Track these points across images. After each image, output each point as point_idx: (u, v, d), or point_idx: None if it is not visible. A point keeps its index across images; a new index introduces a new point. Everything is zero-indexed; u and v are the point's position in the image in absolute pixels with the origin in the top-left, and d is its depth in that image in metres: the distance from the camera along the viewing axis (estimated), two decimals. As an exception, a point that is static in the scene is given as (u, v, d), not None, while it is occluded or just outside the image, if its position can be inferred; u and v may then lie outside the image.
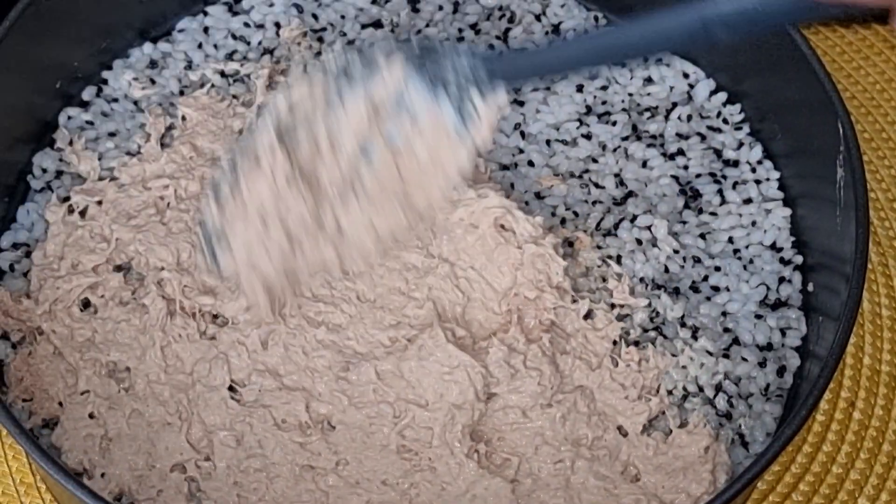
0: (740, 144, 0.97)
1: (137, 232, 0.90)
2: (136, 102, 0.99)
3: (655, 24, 0.70)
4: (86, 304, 0.88)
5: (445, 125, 0.76)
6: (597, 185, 0.94)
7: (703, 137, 0.97)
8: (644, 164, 0.96)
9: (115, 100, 0.99)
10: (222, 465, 0.82)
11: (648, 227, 0.92)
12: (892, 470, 0.91)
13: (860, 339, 0.96)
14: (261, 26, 1.02)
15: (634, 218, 0.92)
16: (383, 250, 0.78)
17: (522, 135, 0.97)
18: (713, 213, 0.94)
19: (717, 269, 0.91)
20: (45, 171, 0.96)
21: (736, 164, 0.96)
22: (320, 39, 1.01)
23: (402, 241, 0.82)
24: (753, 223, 0.93)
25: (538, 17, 1.03)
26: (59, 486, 0.76)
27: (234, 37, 1.02)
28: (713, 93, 0.99)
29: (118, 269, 0.89)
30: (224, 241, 0.77)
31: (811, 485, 0.90)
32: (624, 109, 0.98)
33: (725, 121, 0.98)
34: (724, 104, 0.99)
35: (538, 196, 0.93)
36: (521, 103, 0.98)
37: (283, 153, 0.76)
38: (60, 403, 0.85)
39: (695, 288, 0.90)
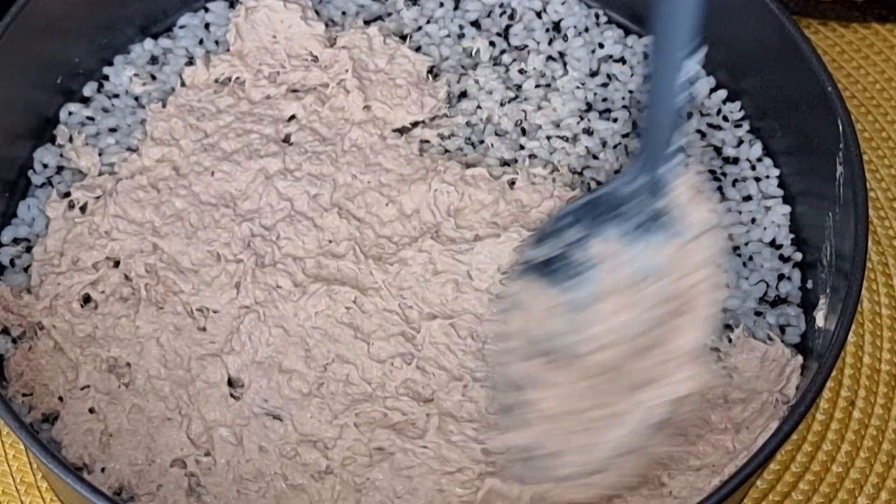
0: (740, 142, 0.97)
1: (138, 227, 0.90)
2: (136, 98, 0.99)
3: None
4: (86, 300, 0.88)
5: (677, 246, 0.78)
6: (597, 182, 0.94)
7: (703, 135, 0.97)
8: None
9: (116, 95, 0.99)
10: (222, 461, 0.82)
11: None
12: (892, 469, 0.91)
13: (860, 339, 0.96)
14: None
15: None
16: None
17: (523, 131, 0.97)
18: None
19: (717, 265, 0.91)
20: (45, 166, 0.96)
21: (736, 161, 0.96)
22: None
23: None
24: (753, 220, 0.93)
25: (539, 14, 1.03)
26: (59, 481, 0.76)
27: (234, 33, 1.02)
28: (713, 90, 1.00)
29: (116, 264, 0.89)
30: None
31: (811, 483, 0.90)
32: (624, 106, 0.98)
33: (725, 118, 0.99)
34: (724, 102, 0.99)
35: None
36: (524, 99, 0.98)
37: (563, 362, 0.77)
38: (60, 398, 0.85)
39: (694, 285, 0.90)
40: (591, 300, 0.78)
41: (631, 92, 0.99)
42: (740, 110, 0.99)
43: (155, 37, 1.02)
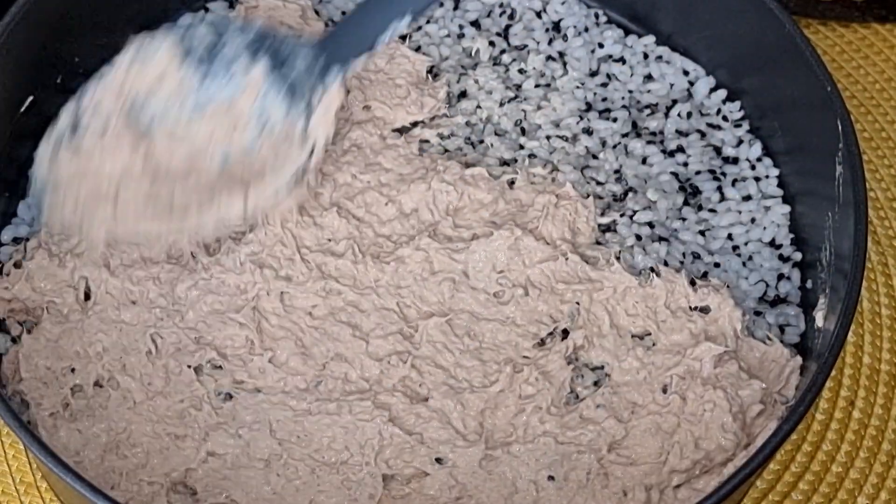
0: (740, 142, 0.97)
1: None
2: (137, 98, 0.99)
3: None
4: (87, 297, 0.88)
5: (295, 132, 0.83)
6: (596, 182, 0.95)
7: (702, 134, 0.97)
8: (644, 161, 0.96)
9: (116, 95, 0.99)
10: (220, 463, 0.82)
11: (648, 223, 0.92)
12: (892, 469, 0.91)
13: (860, 339, 0.96)
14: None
15: (634, 214, 0.93)
16: (216, 232, 0.85)
17: (523, 131, 0.97)
18: (712, 210, 0.94)
19: (717, 265, 0.91)
20: (45, 165, 0.96)
21: (735, 161, 0.96)
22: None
23: (234, 227, 0.87)
24: (753, 220, 0.93)
25: (538, 14, 1.03)
26: (59, 481, 0.76)
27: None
28: (713, 90, 1.00)
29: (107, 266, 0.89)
30: (56, 193, 0.82)
31: (811, 483, 0.90)
32: (624, 106, 0.98)
33: (725, 118, 0.98)
34: (724, 101, 0.99)
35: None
36: (523, 99, 0.98)
37: (131, 132, 0.82)
38: (61, 398, 0.85)
39: (693, 284, 0.90)
40: (209, 101, 0.83)
41: (630, 92, 0.99)
42: (740, 110, 0.99)
43: (155, 36, 1.02)
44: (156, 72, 0.83)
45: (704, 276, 0.90)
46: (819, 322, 0.86)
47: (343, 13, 1.03)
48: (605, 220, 0.92)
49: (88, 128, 0.82)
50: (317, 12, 1.02)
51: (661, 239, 0.91)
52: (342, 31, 0.86)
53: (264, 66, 0.83)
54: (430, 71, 0.99)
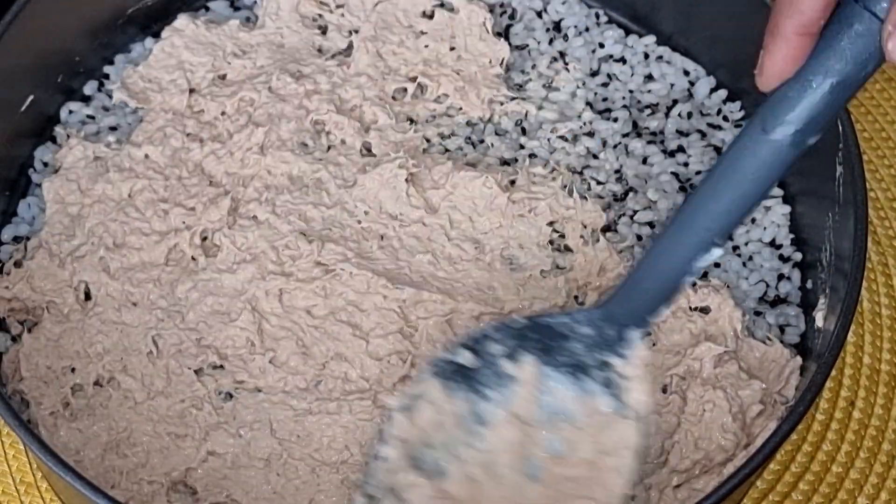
0: (740, 142, 0.97)
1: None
2: (137, 97, 0.99)
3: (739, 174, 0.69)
4: (87, 297, 0.89)
5: (602, 411, 0.75)
6: (597, 181, 0.94)
7: (703, 134, 0.97)
8: (644, 161, 0.96)
9: (117, 94, 1.00)
10: (220, 462, 0.82)
11: (648, 223, 0.92)
12: (892, 469, 0.91)
13: (860, 339, 0.96)
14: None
15: (634, 213, 0.93)
16: None
17: (523, 130, 0.97)
18: (713, 210, 0.94)
19: (717, 265, 0.91)
20: (46, 165, 0.96)
21: (736, 161, 0.96)
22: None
23: None
24: (753, 220, 0.93)
25: (539, 14, 1.03)
26: (59, 481, 0.76)
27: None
28: (713, 90, 1.00)
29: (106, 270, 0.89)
30: None
31: (811, 484, 0.90)
32: (625, 106, 0.98)
33: (726, 118, 0.98)
34: (725, 101, 0.99)
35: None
36: (523, 99, 0.98)
37: (425, 481, 0.75)
38: (62, 397, 0.85)
39: (694, 284, 0.90)
40: (492, 419, 0.77)
41: (631, 91, 0.99)
42: (740, 110, 0.99)
43: (156, 35, 1.02)
44: (428, 416, 0.78)
45: (704, 276, 0.90)
46: (819, 322, 0.85)
47: (352, 31, 1.02)
48: (605, 221, 0.92)
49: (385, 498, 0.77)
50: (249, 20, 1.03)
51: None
52: (631, 288, 0.76)
53: (533, 358, 0.77)
54: None
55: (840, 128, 0.84)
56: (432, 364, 0.79)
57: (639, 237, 0.91)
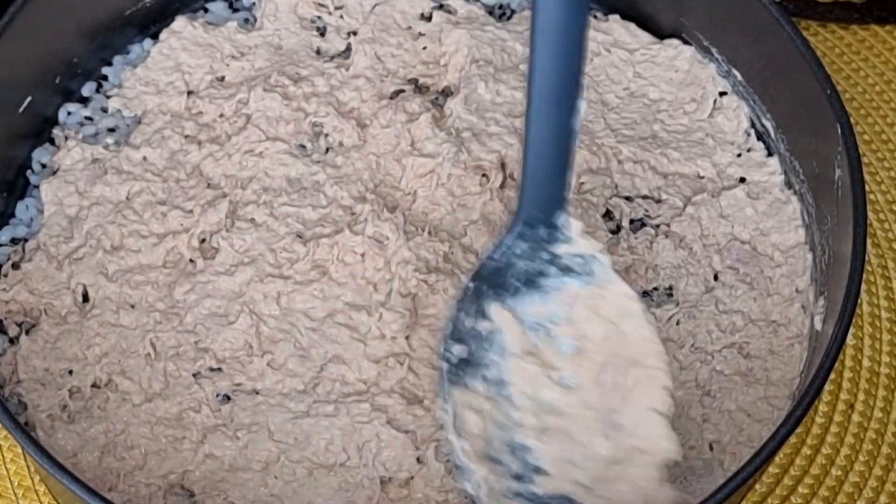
0: (739, 144, 0.97)
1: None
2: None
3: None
4: (85, 299, 0.88)
5: (579, 293, 0.79)
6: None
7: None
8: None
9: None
10: (218, 465, 0.82)
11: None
12: (892, 472, 0.91)
13: (859, 342, 0.96)
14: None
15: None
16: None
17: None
18: (712, 211, 0.94)
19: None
20: (44, 166, 0.96)
21: (735, 162, 0.96)
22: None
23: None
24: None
25: (538, 16, 1.03)
26: (57, 484, 0.76)
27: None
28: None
29: (105, 274, 0.89)
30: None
31: (810, 487, 0.90)
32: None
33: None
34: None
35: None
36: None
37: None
38: (59, 400, 0.85)
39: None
40: (508, 376, 0.79)
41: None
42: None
43: (154, 37, 1.02)
44: (472, 421, 0.79)
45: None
46: (818, 325, 0.85)
47: (351, 33, 1.02)
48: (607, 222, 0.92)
49: None
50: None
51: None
52: (532, 186, 0.79)
53: (497, 306, 0.80)
54: None
55: (839, 130, 0.84)
56: (446, 378, 0.80)
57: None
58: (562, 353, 0.79)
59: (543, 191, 0.78)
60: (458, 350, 0.80)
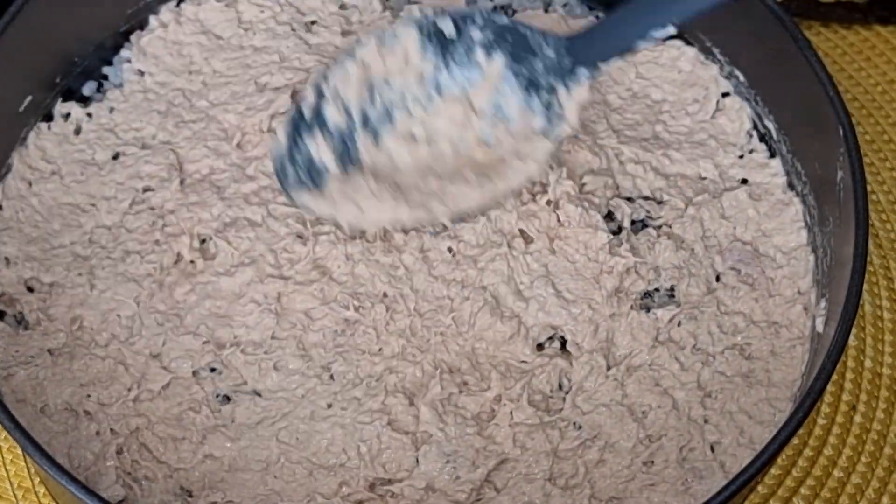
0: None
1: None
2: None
3: None
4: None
5: (534, 127, 0.82)
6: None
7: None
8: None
9: (116, 95, 0.99)
10: (217, 465, 0.82)
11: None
12: (894, 473, 0.91)
13: (861, 342, 0.96)
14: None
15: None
16: (454, 218, 0.84)
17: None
18: (713, 212, 0.94)
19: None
20: (44, 167, 0.96)
21: (736, 163, 0.96)
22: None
23: (471, 216, 0.87)
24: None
25: (539, 15, 1.03)
26: (57, 486, 0.76)
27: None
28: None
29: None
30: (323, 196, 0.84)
31: (812, 489, 0.90)
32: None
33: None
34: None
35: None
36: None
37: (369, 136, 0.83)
38: (59, 399, 0.85)
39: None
40: (447, 93, 0.83)
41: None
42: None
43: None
44: (397, 59, 0.83)
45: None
46: (819, 327, 0.85)
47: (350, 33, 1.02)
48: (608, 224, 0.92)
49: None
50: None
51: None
52: (597, 32, 0.83)
53: (503, 59, 0.83)
54: None
55: (841, 130, 0.84)
56: (417, 17, 0.83)
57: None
58: (479, 134, 0.83)
59: (597, 44, 0.81)
60: (448, 27, 0.83)
